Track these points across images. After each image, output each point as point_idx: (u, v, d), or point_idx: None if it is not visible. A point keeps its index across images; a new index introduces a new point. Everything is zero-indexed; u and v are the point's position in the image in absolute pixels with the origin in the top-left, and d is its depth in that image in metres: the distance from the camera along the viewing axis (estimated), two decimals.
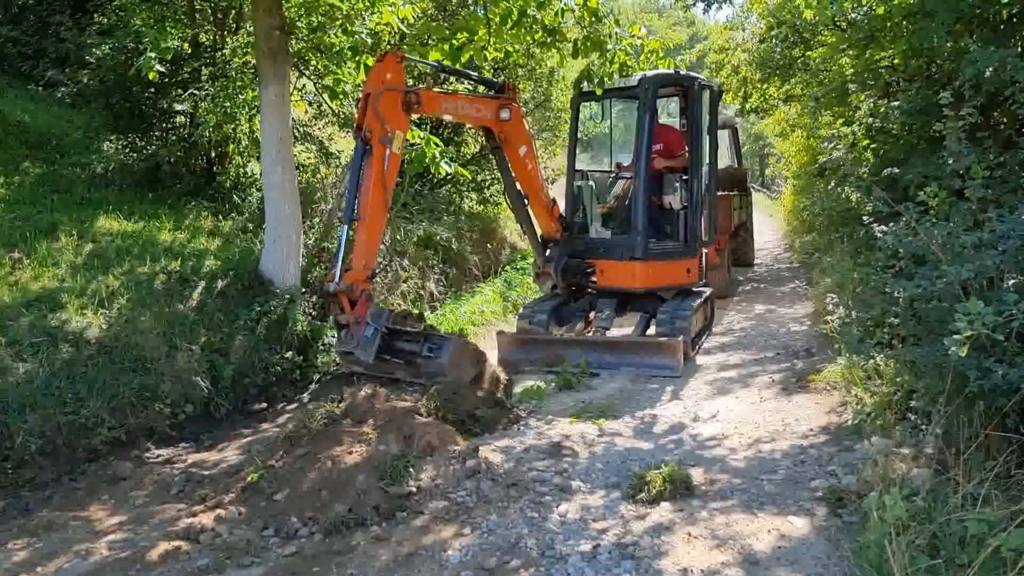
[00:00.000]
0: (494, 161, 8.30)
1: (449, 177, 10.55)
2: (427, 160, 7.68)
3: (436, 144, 8.04)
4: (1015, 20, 7.04)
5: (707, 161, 8.89)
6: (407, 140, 6.87)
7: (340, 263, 6.00)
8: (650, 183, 8.51)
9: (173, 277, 7.15)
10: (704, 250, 8.89)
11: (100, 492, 5.22)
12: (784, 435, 5.69)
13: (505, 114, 7.43)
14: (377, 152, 6.00)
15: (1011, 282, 4.05)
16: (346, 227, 6.06)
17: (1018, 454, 3.82)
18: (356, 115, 6.28)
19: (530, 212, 8.31)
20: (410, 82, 7.55)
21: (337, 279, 5.90)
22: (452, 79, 9.17)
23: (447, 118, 7.87)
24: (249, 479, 4.86)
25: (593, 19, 7.21)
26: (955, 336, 3.45)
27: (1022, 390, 3.77)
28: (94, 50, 9.18)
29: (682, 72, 8.63)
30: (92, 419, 5.61)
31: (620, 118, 11.21)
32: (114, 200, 8.52)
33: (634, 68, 7.75)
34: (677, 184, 8.51)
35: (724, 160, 16.38)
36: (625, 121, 10.84)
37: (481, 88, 8.10)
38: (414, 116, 6.80)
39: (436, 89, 7.54)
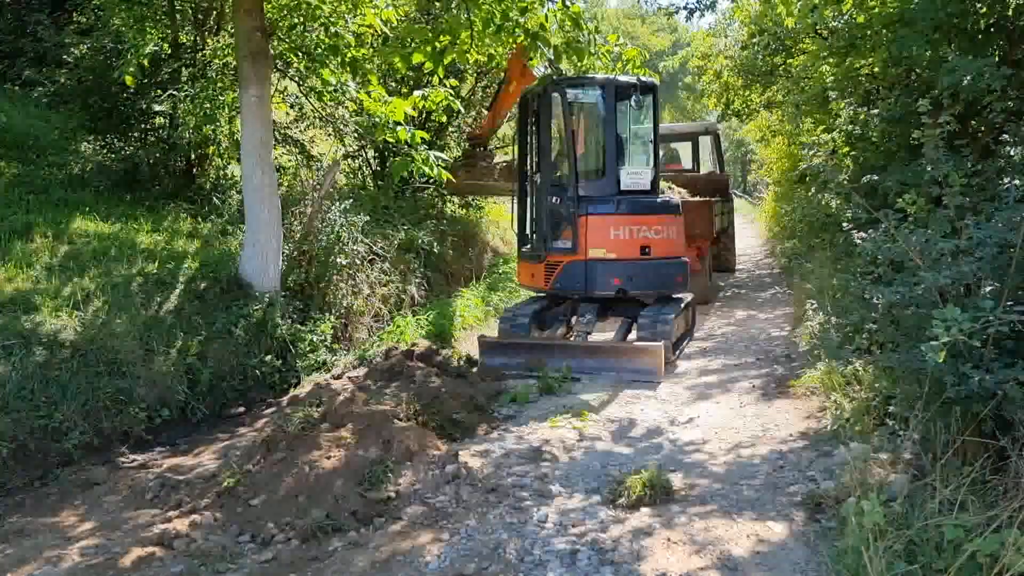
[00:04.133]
0: None
1: (432, 181, 10.51)
2: (414, 165, 7.56)
3: (424, 137, 7.99)
4: (992, 30, 7.13)
5: (548, 165, 8.75)
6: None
7: None
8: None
9: (150, 280, 7.07)
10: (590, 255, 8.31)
11: (73, 497, 5.14)
12: (763, 440, 5.70)
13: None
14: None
15: (988, 289, 4.08)
16: None
17: (994, 460, 3.84)
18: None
19: None
20: None
21: None
22: None
23: None
24: (225, 484, 4.79)
25: (574, 25, 7.23)
26: (932, 342, 3.47)
27: (998, 396, 3.80)
28: (72, 50, 9.11)
29: (552, 76, 8.67)
30: (65, 423, 5.53)
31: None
32: (91, 201, 8.42)
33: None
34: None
35: (706, 166, 16.52)
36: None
37: None
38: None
39: None
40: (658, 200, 8.58)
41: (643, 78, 8.63)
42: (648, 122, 9.06)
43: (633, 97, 8.45)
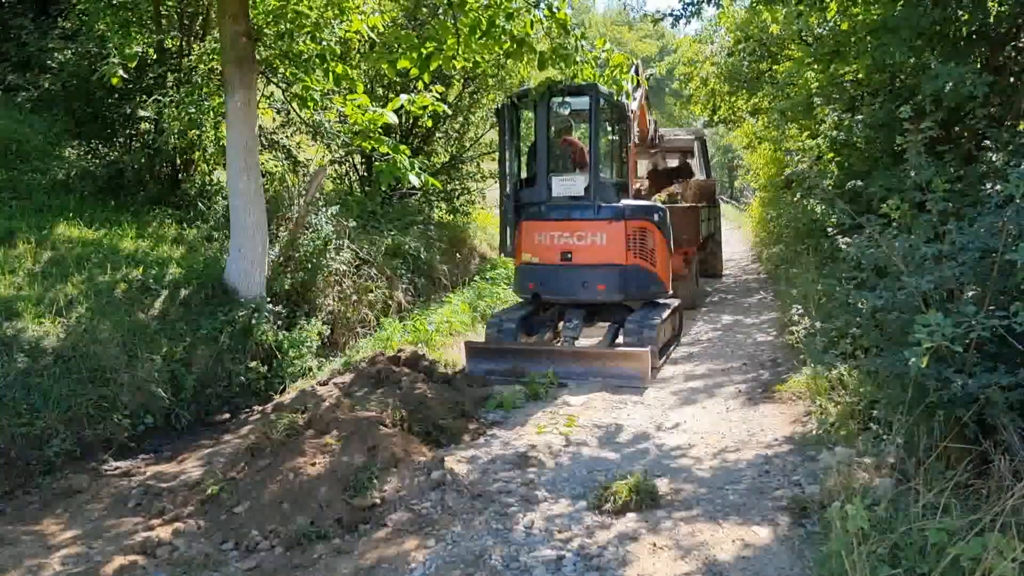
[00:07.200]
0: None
1: (419, 186, 10.51)
2: (397, 171, 7.54)
3: (405, 154, 7.98)
4: (974, 37, 7.20)
5: (511, 173, 8.88)
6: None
7: None
8: None
9: (134, 285, 7.01)
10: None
11: (55, 506, 5.09)
12: (749, 445, 5.72)
13: None
14: None
15: (970, 294, 4.10)
16: None
17: (977, 464, 3.86)
18: None
19: None
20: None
21: None
22: None
23: None
24: (209, 491, 4.76)
25: (561, 31, 7.25)
26: (915, 347, 3.48)
27: (980, 400, 3.82)
28: (56, 54, 9.04)
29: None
30: (48, 430, 5.47)
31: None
32: (75, 207, 8.35)
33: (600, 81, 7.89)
34: None
35: (694, 172, 16.55)
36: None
37: None
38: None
39: None
40: (593, 207, 8.35)
41: (580, 83, 8.07)
42: (587, 127, 8.83)
43: (559, 103, 8.53)
